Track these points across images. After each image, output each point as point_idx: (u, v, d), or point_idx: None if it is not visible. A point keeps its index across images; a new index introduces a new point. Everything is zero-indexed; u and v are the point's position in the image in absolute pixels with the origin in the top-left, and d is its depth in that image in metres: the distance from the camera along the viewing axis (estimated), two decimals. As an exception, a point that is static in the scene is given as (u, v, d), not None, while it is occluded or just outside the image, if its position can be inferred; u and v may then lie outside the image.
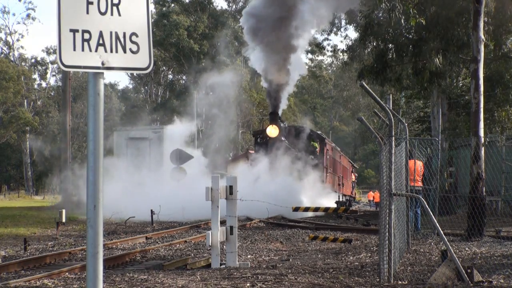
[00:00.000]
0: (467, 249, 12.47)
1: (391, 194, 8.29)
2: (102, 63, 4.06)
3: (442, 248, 9.91)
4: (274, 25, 31.45)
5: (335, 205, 32.32)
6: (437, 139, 21.39)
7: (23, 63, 75.92)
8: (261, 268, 10.11)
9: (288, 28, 31.91)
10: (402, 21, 19.98)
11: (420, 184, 15.90)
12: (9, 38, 74.99)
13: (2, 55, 73.95)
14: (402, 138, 12.48)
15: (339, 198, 37.15)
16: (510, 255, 11.22)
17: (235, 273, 9.09)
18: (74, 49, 4.04)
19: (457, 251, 11.78)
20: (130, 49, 4.14)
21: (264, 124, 45.44)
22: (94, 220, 3.99)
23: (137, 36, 4.16)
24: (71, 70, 4.18)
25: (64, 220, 17.75)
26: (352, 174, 53.01)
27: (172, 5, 73.41)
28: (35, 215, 27.03)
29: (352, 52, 25.68)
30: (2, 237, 18.13)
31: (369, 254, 12.01)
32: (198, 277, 8.78)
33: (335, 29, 43.18)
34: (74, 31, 4.04)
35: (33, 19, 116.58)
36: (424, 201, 8.66)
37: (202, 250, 13.47)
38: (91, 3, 4.07)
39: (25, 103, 72.22)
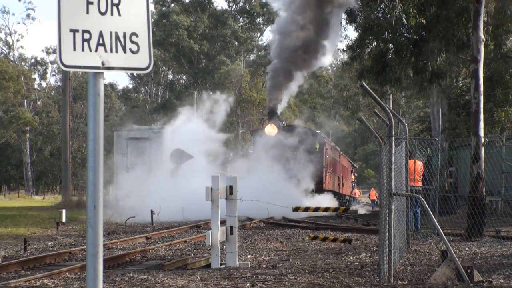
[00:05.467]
0: (467, 249, 12.48)
1: (391, 194, 8.29)
2: (102, 63, 4.06)
3: (442, 248, 9.91)
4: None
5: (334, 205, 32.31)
6: (437, 139, 21.39)
7: (23, 63, 75.92)
8: (261, 268, 10.11)
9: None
10: (404, 19, 19.99)
11: (420, 184, 15.90)
12: (9, 38, 75.07)
13: (2, 55, 73.96)
14: (402, 138, 12.49)
15: (339, 199, 37.14)
16: (510, 255, 11.22)
17: (235, 273, 9.09)
18: (74, 49, 4.04)
19: (457, 251, 11.78)
20: (130, 49, 4.14)
21: (264, 124, 45.43)
22: (94, 220, 3.99)
23: (137, 36, 4.16)
24: (71, 70, 4.18)
25: (64, 220, 17.75)
26: (352, 174, 53.00)
27: (172, 5, 73.41)
28: (35, 215, 27.03)
29: (352, 52, 25.63)
30: (2, 237, 18.14)
31: (369, 254, 12.01)
32: (198, 277, 8.78)
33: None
34: (74, 31, 4.04)
35: (33, 19, 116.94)
36: (424, 201, 8.66)
37: (202, 250, 13.47)
38: (91, 3, 4.07)
39: (25, 103, 72.21)
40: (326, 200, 32.06)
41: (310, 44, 32.32)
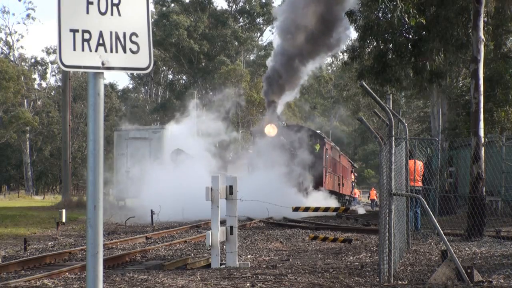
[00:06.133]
0: (467, 249, 12.47)
1: (391, 194, 8.29)
2: (102, 63, 4.06)
3: (442, 248, 9.91)
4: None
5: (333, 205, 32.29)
6: (437, 139, 21.38)
7: (23, 63, 75.89)
8: (261, 268, 10.11)
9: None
10: (406, 19, 19.99)
11: (420, 184, 15.90)
12: (9, 38, 75.05)
13: (2, 55, 73.94)
14: (402, 138, 12.49)
15: (339, 199, 37.11)
16: (510, 255, 11.22)
17: (235, 273, 9.10)
18: (74, 49, 4.04)
19: (457, 251, 11.78)
20: (130, 49, 4.14)
21: (264, 123, 45.41)
22: (94, 220, 3.99)
23: (137, 36, 4.16)
24: (71, 70, 4.19)
25: (64, 220, 17.75)
26: (352, 174, 53.01)
27: (172, 5, 73.40)
28: (35, 215, 27.02)
29: (352, 52, 25.63)
30: (2, 237, 18.14)
31: (369, 254, 12.01)
32: (198, 277, 8.78)
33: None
34: (74, 31, 4.04)
35: (33, 19, 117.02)
36: (424, 201, 8.66)
37: (202, 250, 13.47)
38: (91, 3, 4.07)
39: (25, 103, 72.19)
40: (326, 200, 32.08)
41: (321, 29, 32.20)
